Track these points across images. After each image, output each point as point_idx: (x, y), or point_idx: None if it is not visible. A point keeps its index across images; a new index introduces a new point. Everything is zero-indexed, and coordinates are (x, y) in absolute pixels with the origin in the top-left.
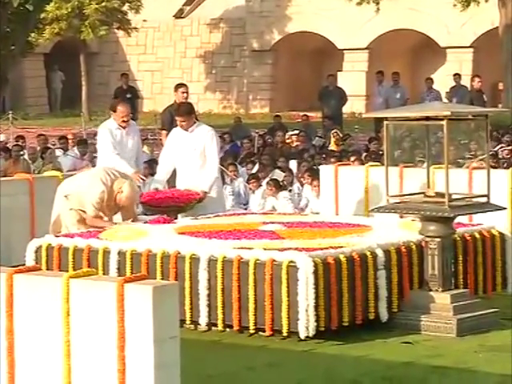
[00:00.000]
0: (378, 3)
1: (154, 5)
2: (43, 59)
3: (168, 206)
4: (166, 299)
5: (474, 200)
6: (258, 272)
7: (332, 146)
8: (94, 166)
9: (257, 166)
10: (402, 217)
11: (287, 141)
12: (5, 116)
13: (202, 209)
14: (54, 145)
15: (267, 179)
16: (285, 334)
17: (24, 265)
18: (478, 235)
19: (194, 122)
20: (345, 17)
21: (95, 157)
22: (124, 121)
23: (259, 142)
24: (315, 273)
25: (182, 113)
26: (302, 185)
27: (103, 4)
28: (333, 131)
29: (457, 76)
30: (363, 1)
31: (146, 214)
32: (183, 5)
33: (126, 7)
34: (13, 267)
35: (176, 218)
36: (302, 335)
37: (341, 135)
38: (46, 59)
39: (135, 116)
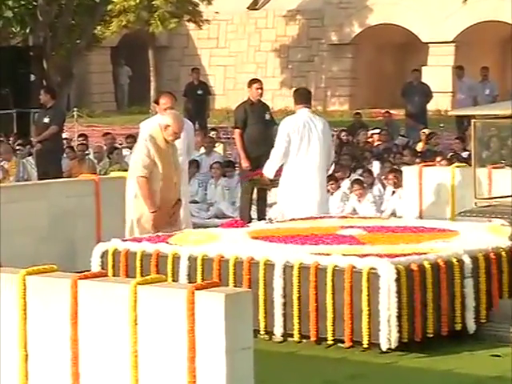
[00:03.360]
0: None
1: None
2: (110, 53)
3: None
4: (238, 308)
5: None
6: (336, 279)
7: (419, 147)
8: None
9: (332, 167)
10: (490, 221)
11: (368, 140)
12: (69, 113)
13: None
14: (121, 144)
15: (346, 180)
16: (365, 346)
17: (89, 270)
18: None
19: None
20: (429, 8)
21: None
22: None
23: (336, 141)
24: (398, 280)
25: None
26: (384, 187)
27: None
28: (422, 130)
29: None
30: None
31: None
32: None
33: None
34: (78, 273)
35: (250, 222)
36: (384, 347)
37: (428, 134)
38: (112, 53)
39: (206, 113)
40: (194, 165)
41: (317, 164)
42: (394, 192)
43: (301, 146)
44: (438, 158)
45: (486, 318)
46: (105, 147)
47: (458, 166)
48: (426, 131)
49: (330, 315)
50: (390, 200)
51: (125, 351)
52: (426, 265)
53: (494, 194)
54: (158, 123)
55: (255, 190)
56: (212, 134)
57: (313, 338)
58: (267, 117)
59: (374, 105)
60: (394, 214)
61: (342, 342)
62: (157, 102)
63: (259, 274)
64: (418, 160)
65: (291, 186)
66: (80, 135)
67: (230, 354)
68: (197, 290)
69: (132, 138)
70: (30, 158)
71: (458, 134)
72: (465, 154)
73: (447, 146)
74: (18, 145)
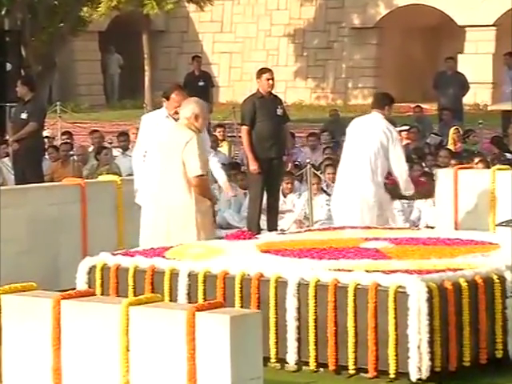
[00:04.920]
0: None
1: None
2: (98, 39)
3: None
4: (246, 331)
5: None
6: (359, 299)
7: (450, 146)
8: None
9: None
10: None
11: None
12: (51, 108)
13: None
14: (110, 143)
15: None
16: (392, 376)
17: (74, 289)
18: None
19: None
20: None
21: None
22: (177, 112)
23: None
24: (429, 301)
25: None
26: None
27: None
28: (453, 128)
29: None
30: None
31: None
32: None
33: None
34: (61, 292)
35: (259, 233)
36: (414, 377)
37: (461, 132)
38: (101, 39)
39: (209, 108)
40: None
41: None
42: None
43: None
44: (476, 160)
45: None
46: (92, 147)
47: (499, 169)
48: (458, 129)
49: (351, 340)
50: (420, 208)
51: (115, 380)
52: (462, 282)
53: None
54: (184, 116)
55: (265, 197)
56: (216, 131)
57: (331, 367)
58: (279, 112)
59: (402, 98)
60: (425, 225)
61: (366, 371)
62: (166, 97)
63: (270, 293)
64: (453, 162)
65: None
66: (64, 133)
67: None
68: (198, 311)
69: (124, 136)
70: (5, 159)
71: (501, 133)
72: (509, 156)
73: (487, 147)
74: None
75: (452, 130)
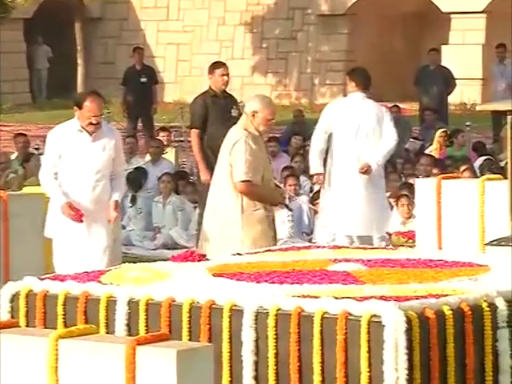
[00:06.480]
0: None
1: None
2: (23, 28)
3: None
4: (195, 368)
5: None
6: (326, 330)
7: (434, 152)
8: None
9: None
10: None
11: None
12: None
13: None
14: (37, 149)
15: None
16: None
17: None
18: None
19: None
20: None
21: None
22: (92, 123)
23: None
24: (408, 332)
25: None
26: (390, 206)
27: None
28: (439, 130)
29: None
30: None
31: None
32: None
33: None
34: None
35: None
36: None
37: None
38: (26, 28)
39: (153, 108)
40: (140, 175)
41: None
42: (402, 213)
43: None
44: (463, 167)
45: None
46: (16, 153)
47: (489, 179)
48: (446, 131)
49: (317, 378)
50: (397, 223)
51: None
52: (447, 311)
53: None
54: (245, 111)
55: None
56: (160, 135)
57: None
58: (234, 113)
59: (377, 97)
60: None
61: None
62: (79, 105)
63: (223, 324)
64: (435, 170)
65: None
66: None
67: None
68: (139, 344)
69: None
70: None
71: (492, 137)
72: (502, 163)
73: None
74: None
75: (438, 133)
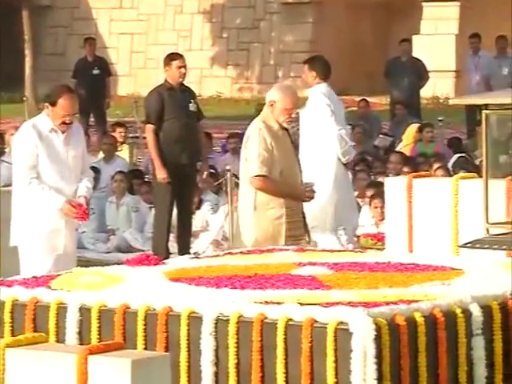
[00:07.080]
0: None
1: None
2: None
3: None
4: (151, 378)
5: None
6: (290, 338)
7: (405, 148)
8: None
9: None
10: (511, 255)
11: None
12: None
13: None
14: None
15: None
16: None
17: None
18: None
19: None
20: None
21: None
22: (65, 122)
23: None
24: (377, 340)
25: None
26: (359, 206)
27: None
28: (414, 125)
29: None
30: None
31: None
32: None
33: None
34: None
35: (167, 257)
36: None
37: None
38: None
39: (105, 102)
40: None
41: None
42: (370, 214)
43: None
44: (436, 166)
45: None
46: None
47: (463, 178)
48: (415, 126)
49: None
50: (365, 225)
51: None
52: (418, 317)
53: None
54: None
55: (175, 212)
56: (117, 131)
57: None
58: (192, 107)
59: (345, 90)
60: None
61: None
62: (52, 102)
63: (180, 332)
64: (406, 169)
65: None
66: None
67: None
68: (91, 354)
69: None
70: None
71: (466, 132)
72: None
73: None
74: None
75: (414, 128)
